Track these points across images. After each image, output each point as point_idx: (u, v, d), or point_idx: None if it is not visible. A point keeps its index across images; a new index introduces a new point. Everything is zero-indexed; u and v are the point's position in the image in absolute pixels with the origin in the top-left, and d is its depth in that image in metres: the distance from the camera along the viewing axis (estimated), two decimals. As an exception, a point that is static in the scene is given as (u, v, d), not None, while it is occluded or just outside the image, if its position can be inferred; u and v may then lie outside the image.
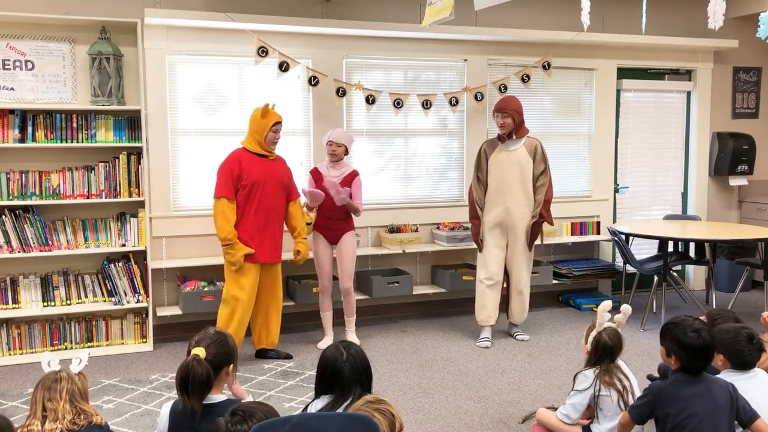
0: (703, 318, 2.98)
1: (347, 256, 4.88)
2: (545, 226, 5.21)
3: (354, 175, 4.89)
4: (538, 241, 5.09)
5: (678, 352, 2.69)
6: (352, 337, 5.01)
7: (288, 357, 4.73)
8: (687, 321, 2.74)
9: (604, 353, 3.06)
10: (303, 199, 4.80)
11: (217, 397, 2.37)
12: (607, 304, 3.15)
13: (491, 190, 4.97)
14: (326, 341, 4.96)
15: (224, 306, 4.48)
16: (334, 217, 4.83)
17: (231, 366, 2.47)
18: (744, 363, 2.83)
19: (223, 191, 4.39)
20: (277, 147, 5.40)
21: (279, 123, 4.51)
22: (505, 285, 5.13)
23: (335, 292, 5.04)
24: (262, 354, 4.71)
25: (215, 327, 2.57)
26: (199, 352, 2.34)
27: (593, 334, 3.11)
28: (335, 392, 2.40)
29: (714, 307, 5.72)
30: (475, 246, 5.13)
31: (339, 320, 5.26)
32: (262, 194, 4.44)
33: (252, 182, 4.41)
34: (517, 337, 5.17)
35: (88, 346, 4.86)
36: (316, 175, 4.88)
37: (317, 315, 5.35)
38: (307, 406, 2.49)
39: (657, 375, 3.74)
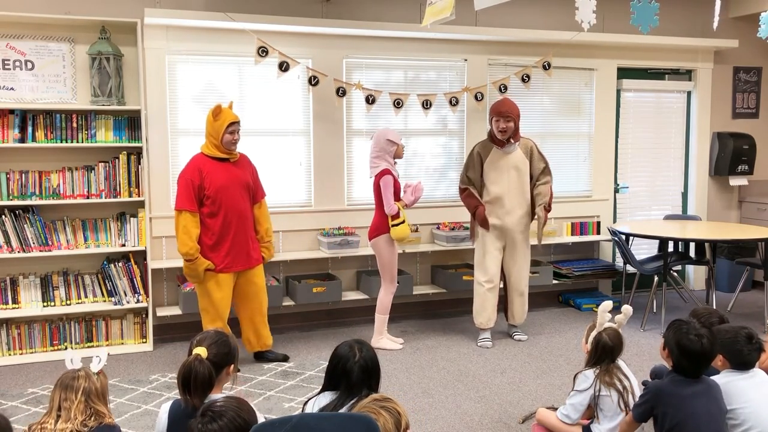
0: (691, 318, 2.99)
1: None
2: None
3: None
4: (534, 241, 5.09)
5: (672, 348, 2.72)
6: (389, 336, 5.07)
7: (285, 359, 4.67)
8: (695, 323, 2.74)
9: (604, 353, 3.06)
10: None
11: (217, 396, 2.37)
12: (607, 305, 3.15)
13: (489, 193, 4.94)
14: (393, 344, 4.97)
15: (203, 316, 4.41)
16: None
17: (231, 366, 2.48)
18: (743, 363, 2.83)
19: (185, 204, 4.21)
20: (278, 146, 5.43)
21: (235, 123, 4.28)
22: (501, 286, 5.13)
23: (373, 289, 5.13)
24: (260, 356, 4.66)
25: (215, 328, 2.57)
26: (201, 351, 2.35)
27: (593, 334, 3.11)
28: (341, 390, 2.41)
29: (714, 307, 5.72)
30: (474, 247, 5.10)
31: (344, 319, 5.27)
32: (227, 201, 4.27)
33: (216, 190, 4.24)
34: (515, 337, 5.17)
35: (88, 346, 4.86)
36: (394, 177, 4.80)
37: (317, 315, 5.36)
38: (309, 399, 2.50)
39: (650, 380, 3.74)
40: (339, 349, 2.50)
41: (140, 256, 4.97)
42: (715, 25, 4.08)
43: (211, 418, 1.99)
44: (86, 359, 2.46)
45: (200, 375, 2.29)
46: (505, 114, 4.78)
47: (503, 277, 5.11)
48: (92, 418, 2.31)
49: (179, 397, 2.37)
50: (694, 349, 2.65)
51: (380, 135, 4.83)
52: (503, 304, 5.19)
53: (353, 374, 2.41)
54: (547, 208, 4.93)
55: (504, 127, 4.80)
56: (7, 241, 4.66)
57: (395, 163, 4.88)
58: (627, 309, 3.15)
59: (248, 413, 2.06)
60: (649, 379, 3.75)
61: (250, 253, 4.44)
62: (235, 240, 4.34)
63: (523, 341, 5.12)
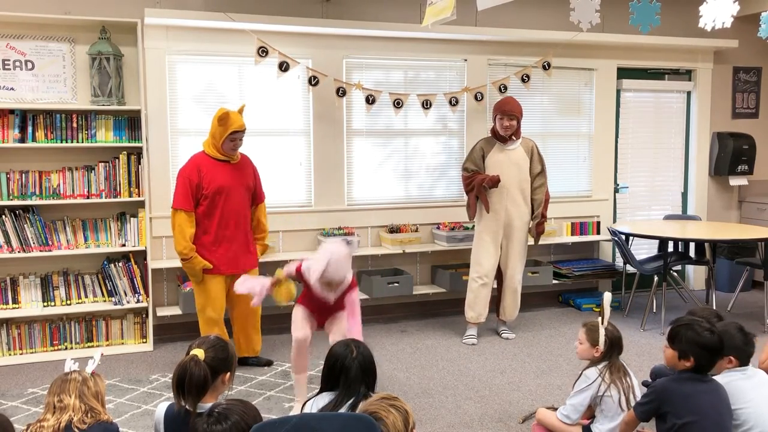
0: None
1: (354, 321, 3.78)
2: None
3: (352, 287, 3.72)
4: (531, 241, 5.12)
5: (697, 352, 2.66)
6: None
7: (268, 363, 4.60)
8: (696, 321, 2.74)
9: (613, 345, 3.09)
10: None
11: (209, 405, 2.29)
12: (610, 296, 3.22)
13: (489, 190, 4.96)
14: (297, 408, 3.69)
15: (199, 317, 4.39)
16: (329, 305, 3.76)
17: (228, 374, 2.42)
18: (746, 356, 2.85)
19: (180, 203, 4.15)
20: (278, 146, 5.43)
21: (239, 132, 4.16)
22: (496, 283, 5.16)
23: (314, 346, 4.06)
24: (243, 361, 4.51)
25: (216, 334, 2.55)
26: (198, 353, 2.34)
27: (602, 329, 3.12)
28: (340, 389, 2.41)
29: (714, 307, 5.72)
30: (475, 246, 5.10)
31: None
32: (225, 202, 4.22)
33: (214, 190, 4.17)
34: (503, 335, 5.19)
35: (88, 347, 4.86)
36: (299, 276, 3.75)
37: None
38: (308, 399, 2.50)
39: (650, 380, 3.74)
40: (335, 349, 2.50)
41: (140, 256, 4.97)
42: (714, 26, 4.06)
43: (216, 419, 1.99)
44: (85, 361, 2.46)
45: (195, 376, 2.27)
46: (509, 112, 4.89)
47: (498, 273, 5.13)
48: (88, 415, 2.31)
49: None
50: (713, 343, 2.66)
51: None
52: (495, 301, 5.21)
53: (351, 371, 2.41)
54: (543, 218, 5.01)
55: (508, 125, 4.89)
56: (7, 241, 4.66)
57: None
58: (607, 296, 3.20)
59: (253, 418, 2.04)
60: (650, 379, 3.75)
61: (247, 255, 4.40)
62: (233, 241, 4.31)
63: (510, 339, 5.14)
